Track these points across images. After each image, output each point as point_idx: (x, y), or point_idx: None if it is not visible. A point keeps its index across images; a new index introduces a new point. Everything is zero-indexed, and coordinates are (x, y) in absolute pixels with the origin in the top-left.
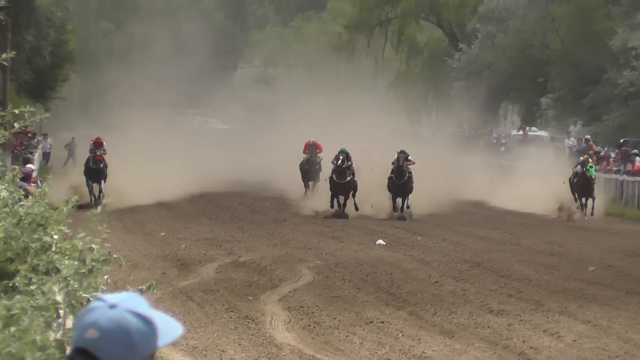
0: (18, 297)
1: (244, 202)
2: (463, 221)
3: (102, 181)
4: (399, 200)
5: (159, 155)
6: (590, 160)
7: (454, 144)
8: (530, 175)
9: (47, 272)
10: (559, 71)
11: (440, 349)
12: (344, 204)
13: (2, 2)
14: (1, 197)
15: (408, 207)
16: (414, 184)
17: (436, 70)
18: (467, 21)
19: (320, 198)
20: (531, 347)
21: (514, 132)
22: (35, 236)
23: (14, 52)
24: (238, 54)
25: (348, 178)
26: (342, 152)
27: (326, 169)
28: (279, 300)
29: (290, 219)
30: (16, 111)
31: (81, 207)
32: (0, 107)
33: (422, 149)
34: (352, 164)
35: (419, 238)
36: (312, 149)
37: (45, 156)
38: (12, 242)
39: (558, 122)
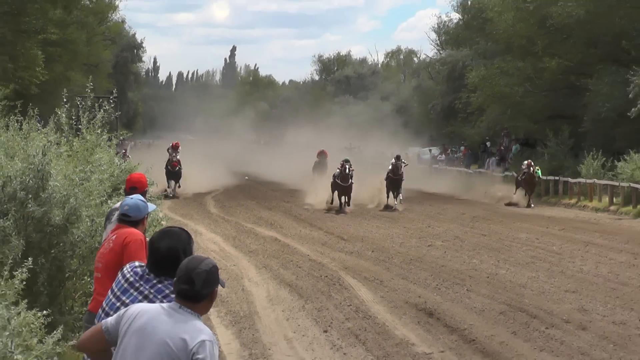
0: (115, 198)
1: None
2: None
3: (179, 180)
4: (393, 194)
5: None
6: (532, 163)
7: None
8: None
9: None
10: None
11: (252, 225)
12: (346, 203)
13: (115, 95)
14: (116, 161)
15: (401, 198)
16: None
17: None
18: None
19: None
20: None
21: None
22: (127, 175)
23: (119, 112)
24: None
25: (350, 182)
26: (346, 161)
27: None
28: (211, 198)
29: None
30: (119, 132)
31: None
32: (115, 132)
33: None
34: (353, 170)
35: (246, 178)
36: (322, 154)
37: (130, 150)
38: (118, 177)
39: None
